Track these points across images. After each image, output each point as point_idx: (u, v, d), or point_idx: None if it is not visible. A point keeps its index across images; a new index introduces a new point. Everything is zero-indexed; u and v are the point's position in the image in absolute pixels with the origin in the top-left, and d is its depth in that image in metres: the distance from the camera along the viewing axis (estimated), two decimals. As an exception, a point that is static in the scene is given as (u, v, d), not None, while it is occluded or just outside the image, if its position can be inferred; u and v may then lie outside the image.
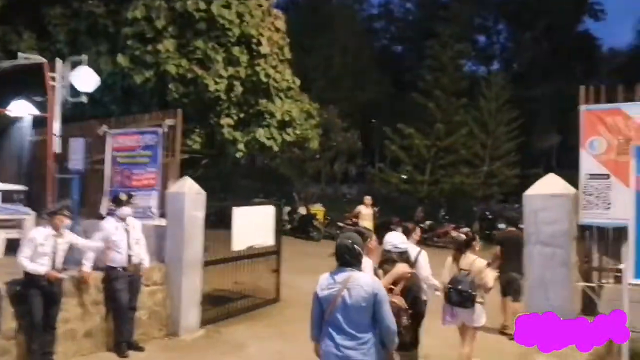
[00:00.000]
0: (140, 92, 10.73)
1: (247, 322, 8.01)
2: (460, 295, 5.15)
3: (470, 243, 5.56)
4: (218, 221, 8.56)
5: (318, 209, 19.02)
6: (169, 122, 7.40)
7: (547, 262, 4.68)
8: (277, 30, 11.81)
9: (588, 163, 4.81)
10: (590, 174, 4.76)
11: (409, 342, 3.98)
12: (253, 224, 8.60)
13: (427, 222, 18.80)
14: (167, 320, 7.08)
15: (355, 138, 21.54)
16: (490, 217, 21.07)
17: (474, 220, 20.74)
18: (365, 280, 3.42)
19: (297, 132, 12.06)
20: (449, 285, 5.30)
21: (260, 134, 11.03)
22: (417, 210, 19.45)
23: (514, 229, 8.06)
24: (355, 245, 3.51)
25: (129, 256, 6.34)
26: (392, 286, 3.92)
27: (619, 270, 4.68)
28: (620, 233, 4.75)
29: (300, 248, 15.41)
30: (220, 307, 8.13)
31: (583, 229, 4.85)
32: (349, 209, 20.39)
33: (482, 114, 21.61)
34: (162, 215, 7.38)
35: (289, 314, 8.59)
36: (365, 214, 13.89)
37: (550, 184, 4.88)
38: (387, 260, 4.20)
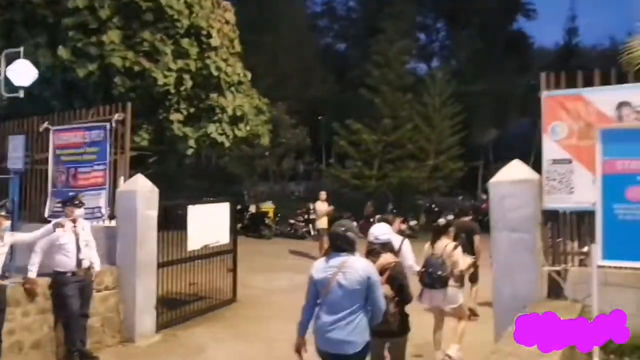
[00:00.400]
0: (83, 87, 10.13)
1: (204, 325, 7.78)
2: (430, 277, 5.44)
3: (447, 229, 6.00)
4: (166, 221, 8.23)
5: (268, 207, 18.81)
6: (118, 116, 7.00)
7: (514, 247, 4.70)
8: (227, 22, 11.49)
9: (550, 148, 4.85)
10: (553, 159, 4.81)
11: (398, 329, 4.21)
12: (208, 223, 8.35)
13: (377, 217, 18.92)
14: (121, 326, 6.72)
15: (304, 134, 21.43)
16: (435, 209, 21.57)
17: (421, 213, 21.19)
18: (359, 264, 3.67)
19: (249, 127, 11.80)
20: (422, 269, 5.59)
21: (212, 129, 10.69)
22: (366, 205, 19.60)
23: (466, 219, 8.44)
24: (348, 233, 3.74)
25: (79, 260, 5.93)
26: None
27: (584, 254, 4.79)
28: (582, 217, 4.85)
29: (252, 247, 15.17)
30: (176, 310, 7.86)
31: (546, 214, 4.91)
32: (298, 206, 20.36)
33: (426, 109, 22.05)
34: (112, 215, 6.99)
35: (247, 314, 8.42)
36: (321, 209, 13.86)
37: (515, 171, 4.91)
38: (371, 252, 4.32)
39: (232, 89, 11.18)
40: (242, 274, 9.47)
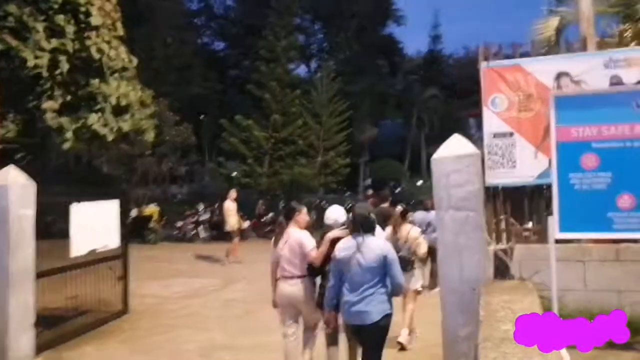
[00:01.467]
0: None
1: (95, 342, 6.71)
2: (401, 261, 5.21)
3: (406, 214, 6.37)
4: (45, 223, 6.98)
5: (153, 210, 17.40)
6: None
7: (460, 227, 4.40)
8: (109, 0, 10.18)
9: (491, 121, 4.68)
10: (494, 133, 4.64)
11: None
12: (95, 224, 7.25)
13: (269, 215, 18.46)
14: (-9, 350, 5.47)
15: (189, 132, 20.19)
16: (326, 206, 21.55)
17: (311, 210, 21.01)
18: (377, 243, 4.11)
19: (135, 119, 10.60)
20: None
21: (93, 120, 9.35)
22: (258, 204, 18.97)
23: (385, 205, 8.57)
24: (370, 215, 4.25)
25: None
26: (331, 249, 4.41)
27: (527, 230, 4.63)
28: (522, 193, 4.70)
29: (138, 253, 13.70)
30: (58, 327, 6.68)
31: (487, 191, 4.69)
32: (183, 209, 19.13)
33: (314, 106, 22.00)
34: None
35: (142, 327, 7.44)
36: (232, 209, 12.98)
37: (457, 145, 4.61)
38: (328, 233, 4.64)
39: (116, 75, 9.93)
40: (131, 283, 8.42)
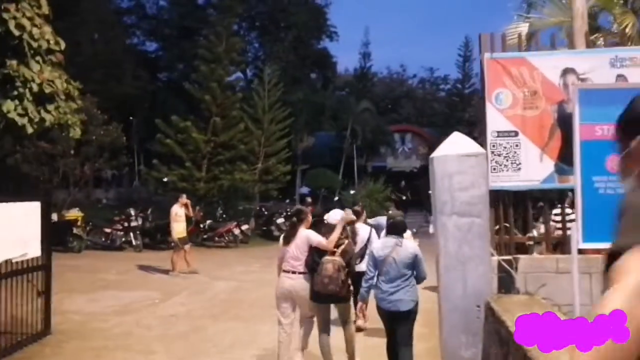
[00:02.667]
0: None
1: (10, 370, 5.63)
2: None
3: (360, 216, 7.45)
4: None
5: (75, 215, 15.86)
6: None
7: (464, 235, 3.88)
8: (32, -30, 8.89)
9: (494, 119, 4.23)
10: (498, 131, 4.17)
11: (345, 294, 5.20)
12: (11, 229, 6.16)
13: (207, 222, 17.46)
14: None
15: (119, 132, 18.69)
16: (265, 213, 20.82)
17: (251, 217, 20.20)
18: (409, 244, 4.98)
19: (60, 111, 9.32)
20: None
21: (9, 107, 7.99)
22: (195, 210, 17.88)
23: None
24: (404, 221, 5.16)
25: None
26: (335, 249, 5.16)
27: (531, 239, 4.17)
28: (524, 197, 4.24)
29: (60, 262, 12.24)
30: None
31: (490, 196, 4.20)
32: (109, 215, 17.68)
33: (256, 111, 21.26)
34: None
35: (67, 350, 6.40)
36: (180, 214, 12.00)
37: (460, 144, 4.09)
38: (330, 232, 5.29)
39: (39, 58, 8.67)
40: (53, 297, 7.31)
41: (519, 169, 4.12)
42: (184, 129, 17.86)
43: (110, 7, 37.41)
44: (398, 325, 4.83)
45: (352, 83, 40.74)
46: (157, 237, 15.78)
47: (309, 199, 23.70)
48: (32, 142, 16.68)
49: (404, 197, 30.09)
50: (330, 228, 5.30)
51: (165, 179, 18.31)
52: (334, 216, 5.52)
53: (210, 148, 18.65)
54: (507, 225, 4.34)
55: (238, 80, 23.36)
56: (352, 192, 26.27)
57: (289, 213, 20.67)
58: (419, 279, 4.92)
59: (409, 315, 4.85)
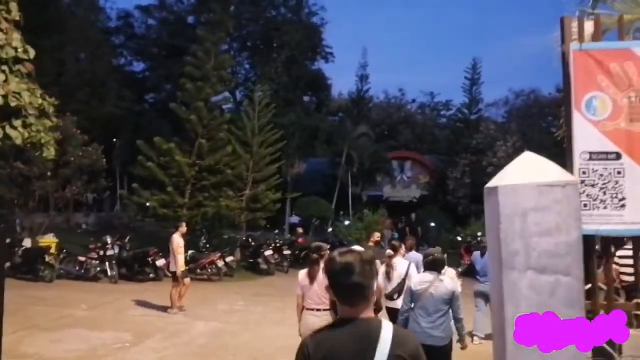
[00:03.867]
0: None
1: None
2: None
3: (397, 251, 7.33)
4: None
5: (50, 241, 14.77)
6: None
7: (545, 300, 2.86)
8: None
9: (585, 134, 3.16)
10: (590, 152, 3.14)
11: None
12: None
13: (189, 252, 16.25)
14: None
15: (98, 154, 17.68)
16: (252, 243, 19.69)
17: (236, 248, 19.09)
18: (447, 281, 5.24)
19: (30, 131, 8.40)
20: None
21: (-31, 123, 7.15)
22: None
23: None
24: (444, 258, 5.62)
25: None
26: None
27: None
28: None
29: (27, 293, 11.31)
30: None
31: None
32: (88, 241, 16.55)
33: (245, 133, 20.30)
34: None
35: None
36: (182, 245, 11.01)
37: (538, 168, 3.06)
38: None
39: (5, 67, 7.82)
40: (8, 335, 6.24)
41: (622, 205, 3.09)
42: (166, 151, 16.82)
43: (97, 25, 36.86)
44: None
45: (348, 107, 39.73)
46: (134, 267, 14.67)
47: (299, 230, 22.69)
48: (8, 163, 15.69)
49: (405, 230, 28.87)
50: None
51: (148, 204, 17.20)
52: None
53: (194, 172, 17.55)
54: (604, 285, 3.37)
55: (227, 99, 22.32)
56: (346, 222, 25.02)
57: (278, 244, 19.66)
58: (456, 319, 5.14)
59: (446, 351, 5.08)
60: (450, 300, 5.03)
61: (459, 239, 23.48)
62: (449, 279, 5.37)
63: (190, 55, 18.70)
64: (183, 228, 11.37)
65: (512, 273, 2.91)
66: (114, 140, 29.19)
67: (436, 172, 34.14)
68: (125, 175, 29.75)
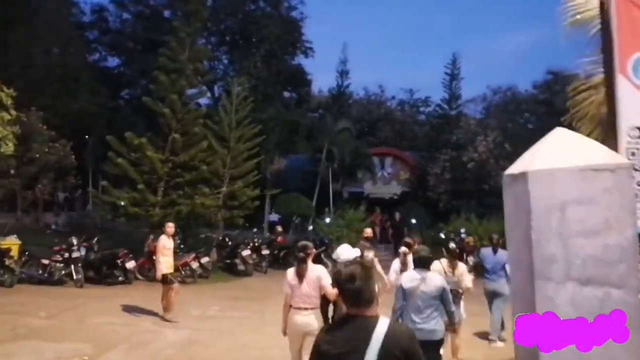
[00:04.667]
0: None
1: None
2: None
3: (411, 248, 7.12)
4: None
5: (11, 243, 13.81)
6: None
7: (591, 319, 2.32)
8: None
9: (634, 104, 2.59)
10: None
11: None
12: None
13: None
14: None
15: (67, 151, 16.70)
16: (229, 243, 18.93)
17: (212, 248, 18.30)
18: (436, 277, 5.47)
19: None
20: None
21: None
22: (147, 240, 15.98)
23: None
24: (430, 256, 5.69)
25: None
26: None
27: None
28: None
29: (-21, 301, 10.44)
30: None
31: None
32: (56, 242, 15.63)
33: (221, 128, 19.44)
34: None
35: None
36: (168, 247, 10.24)
37: (578, 148, 2.40)
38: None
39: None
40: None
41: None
42: (138, 146, 15.92)
43: (70, 20, 35.61)
44: (427, 354, 4.27)
45: (328, 103, 39.11)
46: (102, 270, 13.81)
47: (279, 228, 21.95)
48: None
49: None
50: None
51: (122, 203, 16.28)
52: (346, 253, 5.89)
53: (167, 169, 16.70)
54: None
55: (202, 92, 21.39)
56: (327, 220, 24.35)
57: (256, 244, 18.89)
58: (448, 312, 5.35)
59: (439, 344, 5.34)
60: (441, 296, 5.27)
61: (443, 236, 23.02)
62: (439, 276, 5.63)
63: (165, 47, 17.79)
64: (169, 229, 10.58)
65: (548, 285, 2.26)
66: (87, 137, 28.06)
67: (417, 169, 33.83)
68: (99, 173, 28.72)
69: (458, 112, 35.29)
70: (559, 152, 2.39)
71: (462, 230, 22.71)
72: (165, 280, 10.12)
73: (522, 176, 2.40)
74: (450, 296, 5.41)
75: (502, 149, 27.78)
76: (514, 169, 2.53)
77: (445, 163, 30.40)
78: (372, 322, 2.32)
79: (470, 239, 19.98)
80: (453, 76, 34.35)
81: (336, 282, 2.54)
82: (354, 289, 2.38)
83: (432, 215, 29.09)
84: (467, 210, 25.70)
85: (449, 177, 29.85)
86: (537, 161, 2.37)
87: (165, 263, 10.16)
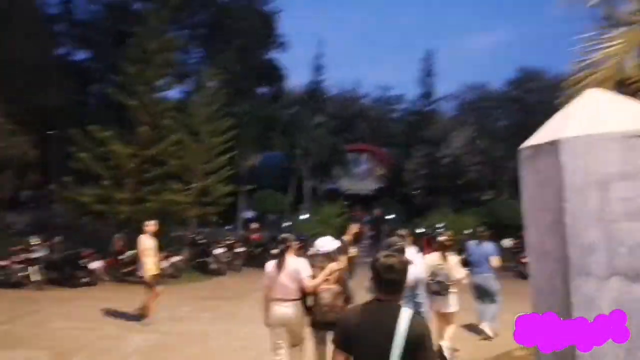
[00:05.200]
0: None
1: None
2: (438, 285, 6.92)
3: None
4: None
5: (-35, 244, 12.98)
6: None
7: None
8: None
9: None
10: None
11: None
12: None
13: (129, 253, 14.53)
14: None
15: (29, 145, 15.79)
16: (202, 241, 18.27)
17: (183, 246, 17.61)
18: (411, 269, 4.66)
19: None
20: (430, 278, 6.93)
21: None
22: (114, 239, 15.25)
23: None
24: (404, 248, 5.61)
25: None
26: (328, 277, 5.31)
27: None
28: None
29: None
30: None
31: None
32: (16, 243, 14.73)
33: (193, 121, 18.65)
34: None
35: None
36: (149, 246, 9.55)
37: (619, 109, 1.94)
38: (326, 261, 5.45)
39: None
40: None
41: None
42: (103, 140, 15.13)
43: (36, 10, 34.29)
44: None
45: (304, 99, 38.67)
46: (65, 271, 13.04)
47: (253, 225, 21.34)
48: None
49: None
50: (328, 258, 5.45)
51: (85, 200, 15.43)
52: (326, 244, 5.60)
53: (136, 164, 15.93)
54: None
55: (172, 82, 20.53)
56: (302, 217, 23.88)
57: (230, 241, 18.26)
58: (417, 304, 5.70)
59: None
60: (415, 287, 5.49)
61: (422, 230, 22.80)
62: (413, 267, 5.77)
63: (134, 35, 16.97)
64: (150, 227, 9.84)
65: (587, 282, 1.81)
66: (51, 132, 26.93)
67: (392, 165, 33.78)
68: (65, 170, 27.62)
69: (432, 109, 35.49)
70: (595, 115, 1.91)
71: (441, 225, 22.51)
72: (152, 282, 9.47)
73: (551, 147, 1.91)
74: (423, 291, 5.94)
75: (475, 145, 27.90)
76: (538, 138, 2.06)
77: (420, 159, 30.40)
78: (397, 309, 2.67)
79: (448, 233, 19.79)
80: (427, 73, 34.67)
81: (374, 270, 2.77)
82: (391, 279, 2.71)
83: (408, 211, 28.98)
84: (443, 205, 25.64)
85: (424, 173, 29.89)
86: (570, 127, 1.88)
87: (148, 263, 9.50)
